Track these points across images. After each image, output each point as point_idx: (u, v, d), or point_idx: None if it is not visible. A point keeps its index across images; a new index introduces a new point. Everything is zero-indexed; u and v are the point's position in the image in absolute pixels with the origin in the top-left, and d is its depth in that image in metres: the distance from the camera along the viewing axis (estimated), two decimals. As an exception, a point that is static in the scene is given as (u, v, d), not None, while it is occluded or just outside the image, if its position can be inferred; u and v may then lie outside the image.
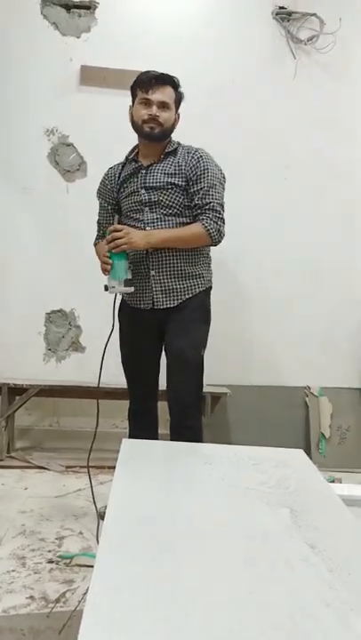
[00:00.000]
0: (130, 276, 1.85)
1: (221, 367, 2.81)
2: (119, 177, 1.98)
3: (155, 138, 1.88)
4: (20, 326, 2.95)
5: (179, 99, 1.91)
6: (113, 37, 2.90)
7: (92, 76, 2.91)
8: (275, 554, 1.02)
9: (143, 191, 1.91)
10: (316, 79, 3.08)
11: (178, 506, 1.20)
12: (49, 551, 1.87)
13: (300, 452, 1.63)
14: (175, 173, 1.89)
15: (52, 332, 2.98)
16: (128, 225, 1.92)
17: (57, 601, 1.59)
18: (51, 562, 1.80)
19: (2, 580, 1.67)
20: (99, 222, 2.11)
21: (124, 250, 1.81)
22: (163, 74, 1.87)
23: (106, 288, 1.86)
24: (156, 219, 1.90)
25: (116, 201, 2.00)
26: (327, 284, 3.12)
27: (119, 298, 2.03)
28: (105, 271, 1.85)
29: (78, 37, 2.90)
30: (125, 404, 2.35)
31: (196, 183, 1.87)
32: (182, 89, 1.92)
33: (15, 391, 2.76)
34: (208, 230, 1.84)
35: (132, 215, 1.95)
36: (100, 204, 2.08)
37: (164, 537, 1.05)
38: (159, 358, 2.02)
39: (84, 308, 2.93)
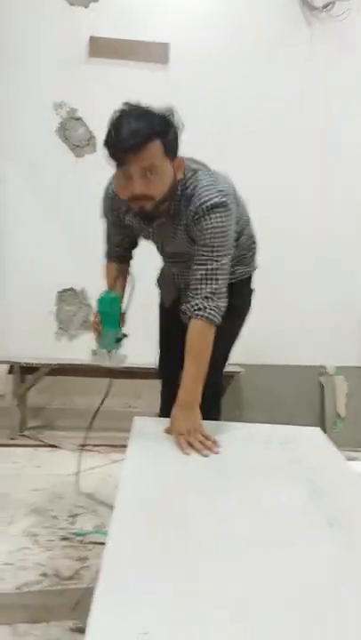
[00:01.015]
0: (119, 347, 1.56)
1: (235, 346, 2.76)
2: (125, 212, 1.62)
3: (149, 216, 1.49)
4: (31, 306, 2.92)
5: (172, 143, 1.39)
6: (121, 7, 2.81)
7: (100, 48, 2.83)
8: (292, 530, 0.99)
9: (156, 239, 1.67)
10: (332, 48, 2.97)
11: (191, 483, 1.17)
12: (62, 528, 1.87)
13: (317, 430, 1.59)
14: (183, 237, 1.56)
15: (63, 310, 2.95)
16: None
17: (70, 578, 1.58)
18: (64, 539, 1.80)
19: (14, 557, 1.67)
20: (108, 238, 1.78)
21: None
22: (136, 131, 1.31)
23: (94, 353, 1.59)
24: (178, 253, 1.66)
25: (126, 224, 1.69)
26: (343, 264, 3.05)
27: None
28: (95, 331, 1.59)
29: (86, 7, 2.82)
30: (139, 383, 2.32)
31: (197, 240, 1.50)
32: (176, 120, 1.39)
33: (27, 370, 2.74)
34: (209, 320, 1.47)
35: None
36: (107, 223, 1.75)
37: (176, 514, 1.02)
38: None
39: (94, 286, 2.87)
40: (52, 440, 2.71)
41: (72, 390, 3.00)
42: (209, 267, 1.46)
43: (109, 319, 1.54)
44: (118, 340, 1.55)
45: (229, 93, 2.84)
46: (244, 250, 1.74)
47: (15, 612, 1.42)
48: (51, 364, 2.70)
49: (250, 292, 1.83)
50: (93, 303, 2.95)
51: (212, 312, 1.46)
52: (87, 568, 1.63)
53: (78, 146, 2.85)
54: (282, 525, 1.01)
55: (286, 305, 3.04)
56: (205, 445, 1.35)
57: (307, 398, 3.04)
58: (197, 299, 1.47)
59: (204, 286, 1.47)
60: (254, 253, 1.79)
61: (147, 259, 1.79)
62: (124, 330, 1.59)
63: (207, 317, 1.46)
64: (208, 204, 1.44)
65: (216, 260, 1.46)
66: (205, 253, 1.46)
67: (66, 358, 2.86)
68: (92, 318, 1.59)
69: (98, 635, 0.67)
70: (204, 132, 2.61)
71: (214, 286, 1.47)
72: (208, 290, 1.47)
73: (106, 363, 1.56)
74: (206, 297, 1.47)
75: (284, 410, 2.86)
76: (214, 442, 1.37)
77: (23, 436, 2.77)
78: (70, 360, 2.84)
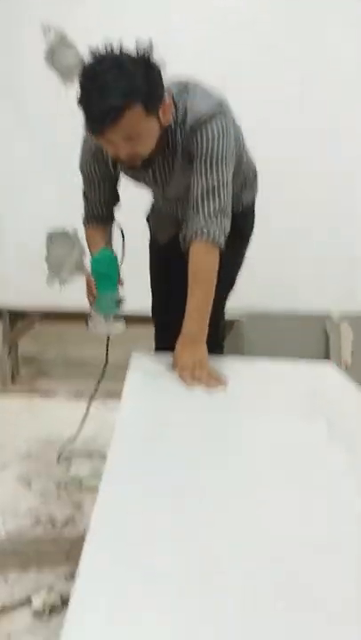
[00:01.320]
0: (119, 312, 1.37)
1: (234, 292, 2.62)
2: (113, 163, 1.44)
3: (140, 168, 1.32)
4: (19, 249, 2.75)
5: (154, 94, 1.18)
6: None
7: None
8: (311, 464, 0.88)
9: (155, 183, 1.47)
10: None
11: (196, 420, 1.05)
12: (57, 474, 1.77)
13: (330, 364, 1.47)
14: (185, 167, 1.36)
15: (53, 253, 2.78)
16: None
17: (65, 524, 1.49)
18: (59, 485, 1.70)
19: (6, 503, 1.57)
20: (88, 199, 1.54)
21: None
22: (111, 102, 1.10)
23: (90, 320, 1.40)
24: (182, 191, 1.44)
25: (113, 176, 1.50)
26: (352, 198, 2.87)
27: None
28: (90, 296, 1.37)
29: None
30: (138, 332, 2.16)
31: (194, 158, 1.32)
32: (156, 59, 1.16)
33: (17, 317, 2.60)
34: (214, 242, 1.30)
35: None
36: (88, 180, 1.50)
37: (177, 452, 0.89)
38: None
39: (88, 227, 2.72)
40: (47, 389, 2.60)
41: (66, 339, 2.87)
42: (210, 181, 1.29)
43: (107, 281, 1.36)
44: (118, 304, 1.37)
45: (234, 22, 2.59)
46: (247, 173, 1.59)
47: (6, 558, 1.33)
48: (42, 310, 2.57)
49: (254, 215, 1.69)
50: (86, 245, 2.80)
51: (217, 232, 1.30)
52: (83, 514, 1.54)
53: (68, 73, 2.62)
54: (300, 458, 0.89)
55: (290, 250, 2.88)
56: (212, 379, 1.23)
57: (311, 347, 2.91)
58: (198, 219, 1.31)
59: (205, 204, 1.29)
60: (256, 175, 1.65)
61: (134, 198, 1.63)
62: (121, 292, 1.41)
63: (212, 239, 1.30)
64: (203, 114, 1.28)
65: (217, 173, 1.29)
66: (205, 167, 1.29)
67: (59, 305, 2.72)
68: (87, 267, 1.40)
69: (91, 575, 0.56)
70: (205, 61, 2.40)
71: (217, 203, 1.29)
72: (210, 208, 1.30)
73: (104, 331, 1.40)
74: (208, 216, 1.29)
75: (287, 358, 2.74)
76: (222, 377, 1.25)
77: (16, 385, 2.65)
78: (63, 307, 2.70)
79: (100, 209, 1.56)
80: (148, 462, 0.85)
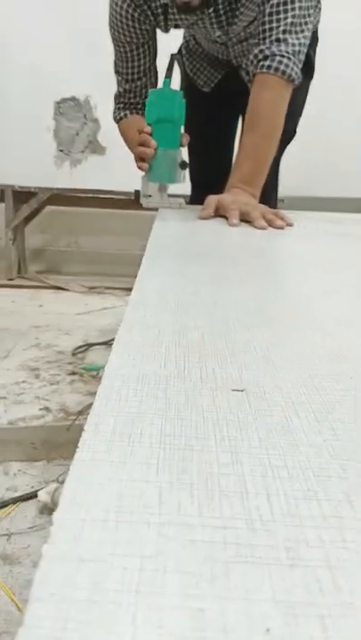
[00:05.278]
0: (181, 178, 1.04)
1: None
2: (164, 14, 1.09)
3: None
4: (23, 120, 2.37)
5: None
6: None
7: None
8: None
9: (213, 24, 1.11)
10: None
11: (235, 275, 0.73)
12: (69, 363, 1.52)
13: None
14: (245, 8, 1.05)
15: (63, 127, 2.40)
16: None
17: (80, 413, 1.23)
18: (73, 374, 1.45)
19: (9, 391, 1.32)
20: (123, 76, 1.17)
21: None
22: None
23: (138, 196, 1.11)
24: (246, 28, 1.12)
25: (155, 36, 1.15)
26: None
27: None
28: (141, 161, 1.03)
29: None
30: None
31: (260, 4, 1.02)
32: None
33: (22, 197, 2.26)
34: (283, 73, 0.98)
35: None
36: (121, 47, 1.12)
37: (203, 305, 0.59)
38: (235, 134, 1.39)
39: (102, 94, 2.29)
40: (58, 282, 2.31)
41: (77, 229, 2.55)
42: (283, 25, 0.96)
43: (169, 131, 0.99)
44: (183, 167, 1.02)
45: None
46: None
47: (7, 447, 1.08)
48: (50, 189, 2.22)
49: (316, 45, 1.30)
50: (102, 118, 2.41)
51: (287, 59, 0.96)
52: (101, 403, 1.28)
53: None
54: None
55: (334, 129, 2.47)
56: (270, 214, 0.90)
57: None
58: (263, 44, 0.97)
59: (274, 25, 0.97)
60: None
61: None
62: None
63: (280, 69, 0.96)
64: None
65: (289, 21, 0.96)
66: (272, 16, 0.96)
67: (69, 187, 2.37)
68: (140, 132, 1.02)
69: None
70: None
71: (289, 19, 0.96)
72: (281, 28, 0.96)
73: (163, 203, 1.05)
74: (277, 40, 0.97)
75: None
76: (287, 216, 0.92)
77: (23, 277, 2.37)
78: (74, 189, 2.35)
79: (140, 89, 1.17)
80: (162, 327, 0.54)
